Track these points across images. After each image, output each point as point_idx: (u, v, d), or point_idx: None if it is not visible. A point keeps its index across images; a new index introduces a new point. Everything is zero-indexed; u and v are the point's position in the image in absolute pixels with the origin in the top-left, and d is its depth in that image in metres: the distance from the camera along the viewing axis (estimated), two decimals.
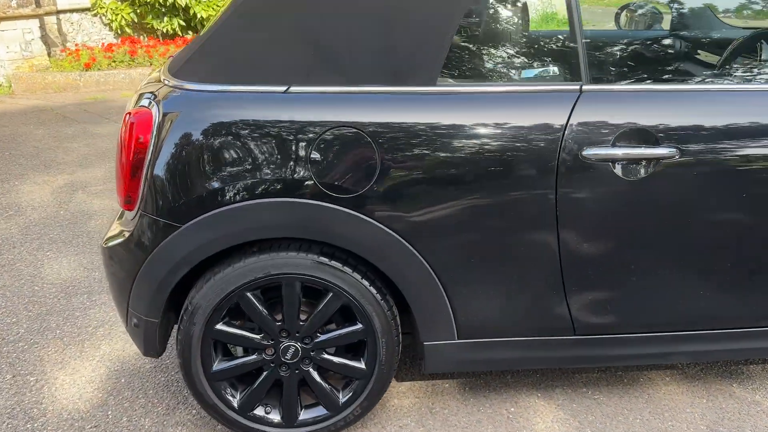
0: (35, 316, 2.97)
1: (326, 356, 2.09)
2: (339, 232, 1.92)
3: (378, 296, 2.02)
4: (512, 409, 2.32)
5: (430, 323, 2.05)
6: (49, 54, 8.54)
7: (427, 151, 1.88)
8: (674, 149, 1.89)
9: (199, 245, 1.92)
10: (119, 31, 9.10)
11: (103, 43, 8.74)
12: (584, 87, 1.92)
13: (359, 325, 2.05)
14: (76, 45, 8.58)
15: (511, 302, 2.04)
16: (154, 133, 1.92)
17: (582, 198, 1.92)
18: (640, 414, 2.28)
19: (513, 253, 1.97)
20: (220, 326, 2.02)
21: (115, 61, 8.22)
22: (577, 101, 1.90)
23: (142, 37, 9.22)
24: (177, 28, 9.03)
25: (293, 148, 1.87)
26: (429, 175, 1.89)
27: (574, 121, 1.88)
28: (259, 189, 1.88)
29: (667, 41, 2.83)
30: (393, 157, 1.87)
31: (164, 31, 9.07)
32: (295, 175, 1.88)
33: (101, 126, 6.27)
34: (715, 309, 2.09)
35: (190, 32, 9.24)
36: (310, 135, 1.86)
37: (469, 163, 1.88)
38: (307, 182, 1.88)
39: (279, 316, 2.05)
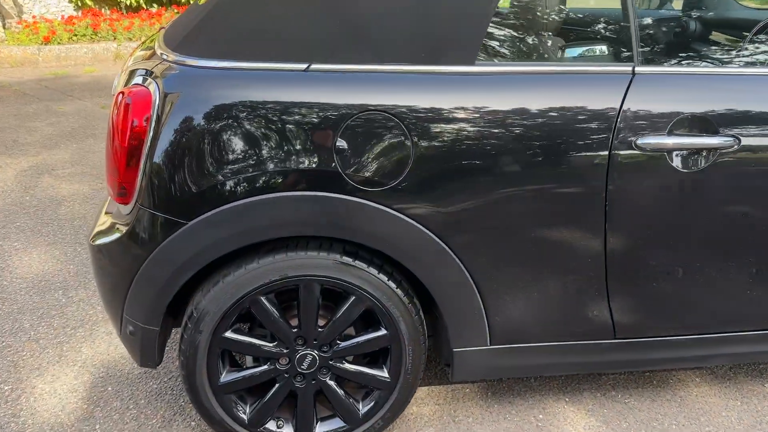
0: (5, 315, 2.69)
1: (346, 365, 1.89)
2: (367, 230, 1.71)
3: (405, 299, 1.83)
4: (540, 416, 2.15)
5: (462, 328, 1.87)
6: (3, 26, 8.03)
7: (464, 139, 1.68)
8: (732, 139, 1.73)
9: (208, 245, 1.69)
10: (79, 3, 8.61)
11: (63, 16, 8.25)
12: (637, 69, 1.74)
13: (384, 331, 1.85)
14: (34, 17, 8.06)
15: (549, 304, 1.87)
16: (154, 115, 1.67)
17: (635, 191, 1.74)
18: (675, 419, 2.15)
19: (555, 250, 1.80)
20: (229, 334, 1.80)
21: (76, 35, 7.75)
22: (630, 84, 1.72)
23: (104, 9, 8.74)
24: (141, 1, 8.59)
25: (316, 134, 1.65)
26: (466, 166, 1.69)
27: (627, 106, 1.70)
28: (277, 181, 1.66)
29: (715, 22, 2.67)
30: (427, 145, 1.67)
31: (127, 3, 8.62)
32: (318, 166, 1.66)
33: (65, 103, 5.88)
34: (763, 309, 1.95)
35: (155, 5, 8.81)
36: (335, 120, 1.64)
37: (511, 153, 1.69)
38: (331, 174, 1.66)
39: (293, 322, 1.84)
